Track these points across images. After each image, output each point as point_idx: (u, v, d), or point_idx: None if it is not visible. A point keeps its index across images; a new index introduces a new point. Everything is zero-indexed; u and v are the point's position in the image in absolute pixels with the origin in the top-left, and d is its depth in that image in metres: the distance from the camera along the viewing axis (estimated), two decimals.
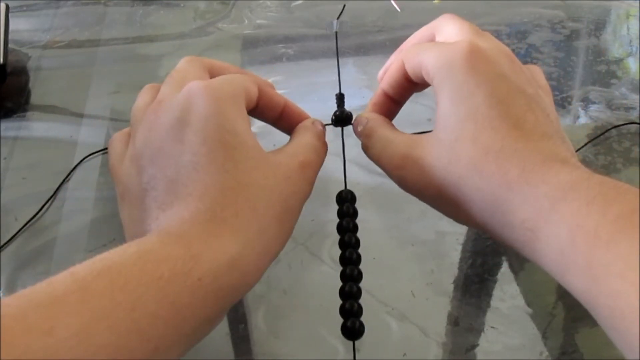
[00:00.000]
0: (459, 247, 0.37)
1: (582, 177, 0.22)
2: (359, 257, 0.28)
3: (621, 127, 0.46)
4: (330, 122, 0.33)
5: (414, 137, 0.28)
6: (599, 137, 0.45)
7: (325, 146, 0.30)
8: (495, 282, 0.35)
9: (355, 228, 0.29)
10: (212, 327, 0.23)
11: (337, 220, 0.29)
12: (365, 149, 0.30)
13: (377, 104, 0.32)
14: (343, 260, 0.28)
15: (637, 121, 0.46)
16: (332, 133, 0.32)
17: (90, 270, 0.19)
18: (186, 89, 0.25)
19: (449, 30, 0.29)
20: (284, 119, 0.30)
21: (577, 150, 0.43)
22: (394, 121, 0.32)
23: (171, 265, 0.20)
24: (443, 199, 0.26)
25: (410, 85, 0.30)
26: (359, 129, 0.30)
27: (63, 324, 0.17)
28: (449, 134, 0.25)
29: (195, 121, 0.24)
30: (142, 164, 0.25)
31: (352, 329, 0.26)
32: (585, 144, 0.44)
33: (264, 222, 0.24)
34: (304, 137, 0.29)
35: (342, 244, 0.28)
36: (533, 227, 0.22)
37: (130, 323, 0.18)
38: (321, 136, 0.30)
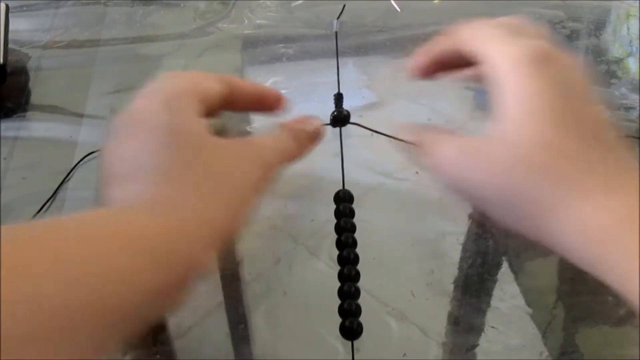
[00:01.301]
0: (459, 247, 0.37)
1: None
2: (356, 257, 0.28)
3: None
4: (329, 122, 0.33)
5: (472, 139, 0.27)
6: None
7: (302, 148, 0.29)
8: (495, 282, 0.35)
9: (352, 227, 0.29)
10: (163, 305, 0.23)
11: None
12: (421, 156, 0.28)
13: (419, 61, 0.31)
14: (340, 260, 0.28)
15: (636, 125, 0.46)
16: (331, 133, 0.32)
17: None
18: (140, 92, 0.27)
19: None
20: (257, 103, 0.31)
21: None
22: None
23: (125, 227, 0.22)
24: (503, 202, 0.25)
25: (447, 64, 0.30)
26: (413, 138, 0.29)
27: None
28: (517, 136, 0.25)
29: (145, 120, 0.26)
30: (107, 160, 0.26)
31: (350, 328, 0.26)
32: None
33: (211, 207, 0.25)
34: (278, 138, 0.29)
35: (339, 244, 0.29)
36: (605, 238, 0.22)
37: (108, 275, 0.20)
38: (299, 137, 0.29)
